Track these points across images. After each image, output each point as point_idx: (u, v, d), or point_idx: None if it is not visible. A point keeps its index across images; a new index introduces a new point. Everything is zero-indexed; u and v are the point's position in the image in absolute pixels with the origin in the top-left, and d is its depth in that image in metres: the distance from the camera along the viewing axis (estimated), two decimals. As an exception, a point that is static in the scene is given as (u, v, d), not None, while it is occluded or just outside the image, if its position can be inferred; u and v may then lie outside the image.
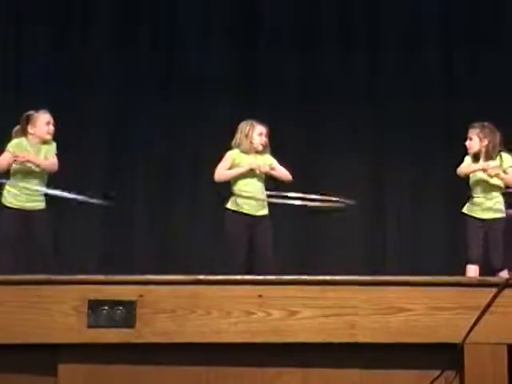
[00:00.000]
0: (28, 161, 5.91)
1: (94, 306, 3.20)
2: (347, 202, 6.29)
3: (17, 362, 3.22)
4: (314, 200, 6.38)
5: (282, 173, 6.24)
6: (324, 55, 8.12)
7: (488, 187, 6.20)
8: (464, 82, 8.04)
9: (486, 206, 6.16)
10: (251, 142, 6.18)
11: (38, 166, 5.93)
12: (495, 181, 6.16)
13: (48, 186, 6.01)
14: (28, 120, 6.01)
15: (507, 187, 6.22)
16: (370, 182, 7.96)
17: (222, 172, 6.13)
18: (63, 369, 3.22)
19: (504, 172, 6.18)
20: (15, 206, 5.89)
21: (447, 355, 3.28)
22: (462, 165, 6.27)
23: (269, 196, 6.20)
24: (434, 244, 7.61)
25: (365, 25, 8.25)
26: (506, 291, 3.29)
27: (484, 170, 6.14)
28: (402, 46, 8.20)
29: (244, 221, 6.10)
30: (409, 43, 8.19)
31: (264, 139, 6.20)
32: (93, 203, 6.13)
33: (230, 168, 6.14)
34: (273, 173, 6.22)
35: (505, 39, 7.99)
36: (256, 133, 6.18)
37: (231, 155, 6.20)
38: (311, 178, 7.66)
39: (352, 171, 7.84)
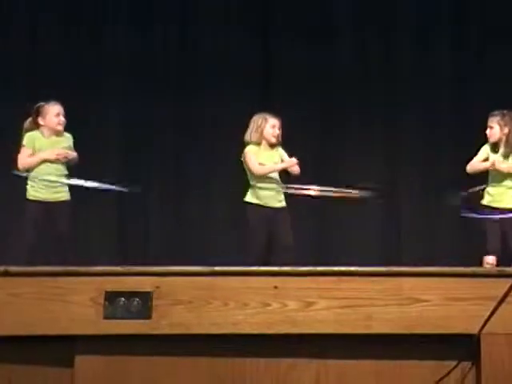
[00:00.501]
0: (66, 158, 5.95)
1: (111, 297, 3.19)
2: (363, 193, 6.30)
3: (34, 353, 3.22)
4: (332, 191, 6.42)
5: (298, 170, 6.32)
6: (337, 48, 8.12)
7: (506, 176, 6.18)
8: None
9: (503, 195, 6.15)
10: (264, 135, 6.20)
11: (73, 160, 5.99)
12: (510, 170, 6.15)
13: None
14: (38, 112, 6.01)
15: None
16: (383, 174, 7.97)
17: (258, 168, 6.17)
18: (80, 360, 3.21)
19: None
20: (38, 199, 5.91)
21: (463, 346, 3.25)
22: (474, 160, 6.25)
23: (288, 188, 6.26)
24: (448, 235, 7.60)
25: (380, 19, 8.25)
26: (523, 282, 3.28)
27: (491, 166, 6.14)
28: (415, 42, 8.20)
29: (264, 213, 6.12)
30: (421, 42, 8.17)
31: (277, 131, 6.21)
32: (109, 192, 6.15)
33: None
34: (295, 169, 6.28)
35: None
36: (269, 125, 6.20)
37: (252, 150, 6.22)
38: (325, 169, 7.67)
39: (366, 163, 7.85)
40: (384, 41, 8.20)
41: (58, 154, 5.91)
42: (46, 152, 5.91)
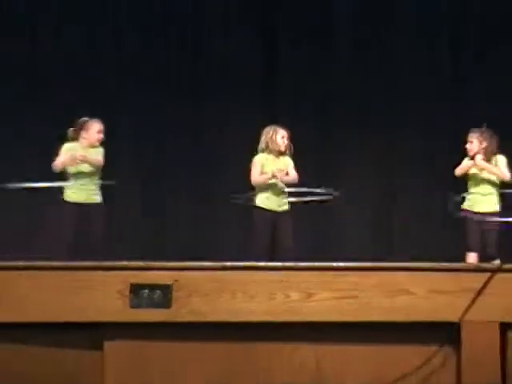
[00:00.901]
0: (85, 160, 6.00)
1: (136, 289, 3.23)
2: (333, 193, 6.38)
3: (68, 338, 3.25)
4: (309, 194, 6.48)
5: (291, 177, 6.33)
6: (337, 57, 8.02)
7: (483, 183, 6.21)
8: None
9: (481, 201, 6.18)
10: (275, 145, 6.26)
11: (91, 163, 6.02)
12: (486, 175, 6.18)
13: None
14: (82, 126, 6.08)
15: (503, 185, 6.23)
16: (379, 178, 7.91)
17: (257, 177, 6.21)
18: (108, 345, 3.25)
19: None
20: (75, 201, 5.97)
21: (446, 332, 3.29)
22: (458, 167, 6.30)
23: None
24: (436, 233, 7.58)
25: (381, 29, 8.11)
26: (498, 276, 3.31)
27: (473, 163, 6.17)
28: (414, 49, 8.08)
29: (269, 216, 6.16)
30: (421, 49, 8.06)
31: (286, 142, 6.28)
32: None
33: (261, 171, 6.23)
34: (286, 179, 6.31)
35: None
36: (279, 136, 6.26)
37: (259, 160, 6.26)
38: (325, 169, 7.63)
39: (364, 165, 7.79)
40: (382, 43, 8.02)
41: (72, 156, 5.97)
42: (77, 154, 5.95)
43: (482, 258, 5.99)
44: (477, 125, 6.36)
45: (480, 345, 3.29)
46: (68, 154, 6.02)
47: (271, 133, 6.24)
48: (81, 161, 6.00)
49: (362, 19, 8.07)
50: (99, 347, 3.25)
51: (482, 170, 6.18)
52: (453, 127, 7.66)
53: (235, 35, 8.04)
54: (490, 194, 6.21)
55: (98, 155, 6.06)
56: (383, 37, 8.08)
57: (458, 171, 6.29)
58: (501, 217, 6.22)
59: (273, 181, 6.21)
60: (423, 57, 8.04)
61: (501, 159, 6.24)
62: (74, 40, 7.88)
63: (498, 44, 7.94)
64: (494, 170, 6.16)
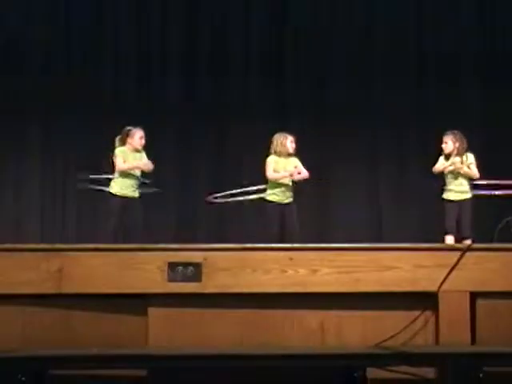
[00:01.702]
0: (138, 167, 6.03)
1: (172, 266, 3.26)
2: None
3: (119, 306, 3.29)
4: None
5: (304, 175, 6.31)
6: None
7: (458, 176, 6.23)
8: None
9: (457, 190, 6.19)
10: (285, 148, 6.26)
11: (148, 170, 6.05)
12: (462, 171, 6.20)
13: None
14: (127, 134, 6.11)
15: (471, 179, 6.22)
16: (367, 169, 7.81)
17: (272, 174, 6.20)
18: (152, 311, 3.29)
19: (467, 167, 6.20)
20: (120, 194, 6.00)
21: (426, 300, 3.31)
22: (436, 165, 6.29)
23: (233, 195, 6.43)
24: (418, 217, 7.51)
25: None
26: (468, 254, 3.33)
27: (452, 164, 6.17)
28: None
29: (277, 208, 6.19)
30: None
31: (293, 145, 6.28)
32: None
33: (274, 169, 6.23)
34: (300, 177, 6.30)
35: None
36: (289, 140, 6.27)
37: (271, 161, 6.26)
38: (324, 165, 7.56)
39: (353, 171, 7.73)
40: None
41: (145, 164, 5.99)
42: (138, 162, 5.97)
43: (458, 239, 5.99)
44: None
45: (454, 310, 3.31)
46: (122, 156, 5.99)
47: (282, 138, 6.24)
48: (145, 168, 6.02)
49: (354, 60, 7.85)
50: (144, 313, 3.28)
51: (457, 168, 6.17)
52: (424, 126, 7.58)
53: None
54: (463, 185, 6.23)
55: (144, 157, 6.08)
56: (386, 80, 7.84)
57: (436, 170, 6.29)
58: (472, 204, 6.20)
59: (285, 180, 6.20)
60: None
61: (470, 157, 6.24)
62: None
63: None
64: (468, 172, 6.17)
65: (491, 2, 7.93)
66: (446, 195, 6.21)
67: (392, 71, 7.77)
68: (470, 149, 6.24)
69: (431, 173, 6.27)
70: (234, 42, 7.85)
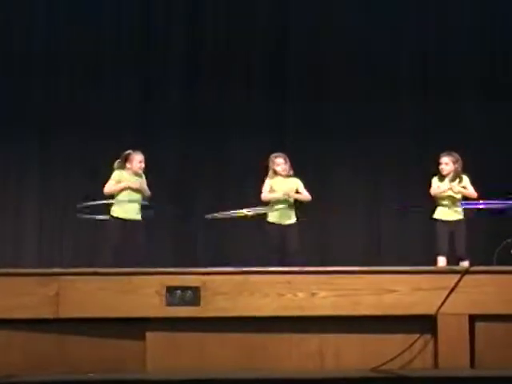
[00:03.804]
0: (129, 187, 6.02)
1: (171, 290, 3.27)
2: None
3: (117, 330, 3.29)
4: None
5: (305, 196, 6.29)
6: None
7: (452, 199, 6.21)
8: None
9: (450, 210, 6.16)
10: (275, 171, 6.27)
11: (137, 189, 6.03)
12: (454, 193, 6.18)
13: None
14: (126, 158, 6.10)
15: (465, 198, 6.20)
16: (367, 193, 7.80)
17: (266, 195, 6.20)
18: (150, 335, 3.29)
19: (464, 188, 6.19)
20: (121, 217, 5.99)
21: (425, 323, 3.31)
22: (433, 187, 6.24)
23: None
24: (416, 239, 7.49)
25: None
26: (466, 277, 3.34)
27: (450, 189, 6.16)
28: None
29: (277, 229, 6.16)
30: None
31: (283, 166, 6.24)
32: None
33: (270, 191, 6.23)
34: (297, 196, 6.28)
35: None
36: (275, 165, 6.26)
37: (269, 182, 6.27)
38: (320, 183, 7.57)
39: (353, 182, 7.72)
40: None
41: (134, 183, 5.98)
42: (128, 182, 5.97)
43: (451, 260, 5.94)
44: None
45: (453, 333, 3.31)
46: (116, 179, 6.00)
47: (270, 163, 6.26)
48: (136, 188, 6.01)
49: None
50: (142, 337, 3.28)
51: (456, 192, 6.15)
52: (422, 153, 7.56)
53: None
54: (457, 206, 6.19)
55: (144, 184, 6.08)
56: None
57: (436, 193, 6.23)
58: (465, 223, 6.17)
59: (285, 201, 6.19)
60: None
61: (465, 179, 6.22)
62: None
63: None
64: (465, 192, 6.15)
65: (491, 16, 7.96)
66: (438, 215, 6.17)
67: (392, 86, 7.79)
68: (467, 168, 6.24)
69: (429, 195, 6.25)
70: (237, 56, 7.88)
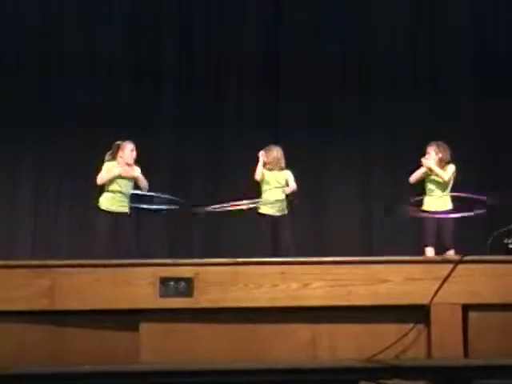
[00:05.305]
0: (121, 176, 5.97)
1: (164, 281, 3.26)
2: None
3: (110, 321, 3.28)
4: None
5: (291, 188, 6.34)
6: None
7: (438, 187, 6.20)
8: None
9: (436, 202, 6.17)
10: (268, 161, 6.30)
11: (128, 180, 5.99)
12: (438, 178, 6.14)
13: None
14: (118, 148, 6.09)
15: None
16: (359, 190, 7.82)
17: (259, 176, 6.26)
18: (143, 326, 3.28)
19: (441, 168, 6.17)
20: (108, 209, 5.96)
21: (418, 313, 3.31)
22: (414, 174, 6.26)
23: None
24: (406, 230, 7.51)
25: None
26: (459, 266, 3.33)
27: (423, 167, 6.14)
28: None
29: (270, 220, 6.19)
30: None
31: (270, 160, 6.29)
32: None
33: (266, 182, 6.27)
34: (288, 190, 6.33)
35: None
36: (274, 152, 6.30)
37: (261, 164, 6.31)
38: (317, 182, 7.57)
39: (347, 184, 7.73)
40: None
41: (126, 171, 5.95)
42: (118, 170, 5.94)
43: (438, 251, 5.96)
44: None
45: (446, 323, 3.31)
46: (107, 170, 5.97)
47: (261, 157, 6.28)
48: (128, 178, 5.96)
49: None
50: (136, 329, 3.27)
51: (434, 174, 6.13)
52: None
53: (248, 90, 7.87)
54: (442, 195, 6.20)
55: (137, 172, 6.04)
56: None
57: (413, 178, 6.25)
58: (453, 213, 6.17)
59: (277, 193, 6.21)
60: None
61: (450, 168, 6.21)
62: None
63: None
64: (438, 171, 6.13)
65: (489, 19, 7.97)
66: (426, 207, 6.18)
67: (389, 84, 7.79)
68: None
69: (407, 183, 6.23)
70: (229, 57, 7.88)
